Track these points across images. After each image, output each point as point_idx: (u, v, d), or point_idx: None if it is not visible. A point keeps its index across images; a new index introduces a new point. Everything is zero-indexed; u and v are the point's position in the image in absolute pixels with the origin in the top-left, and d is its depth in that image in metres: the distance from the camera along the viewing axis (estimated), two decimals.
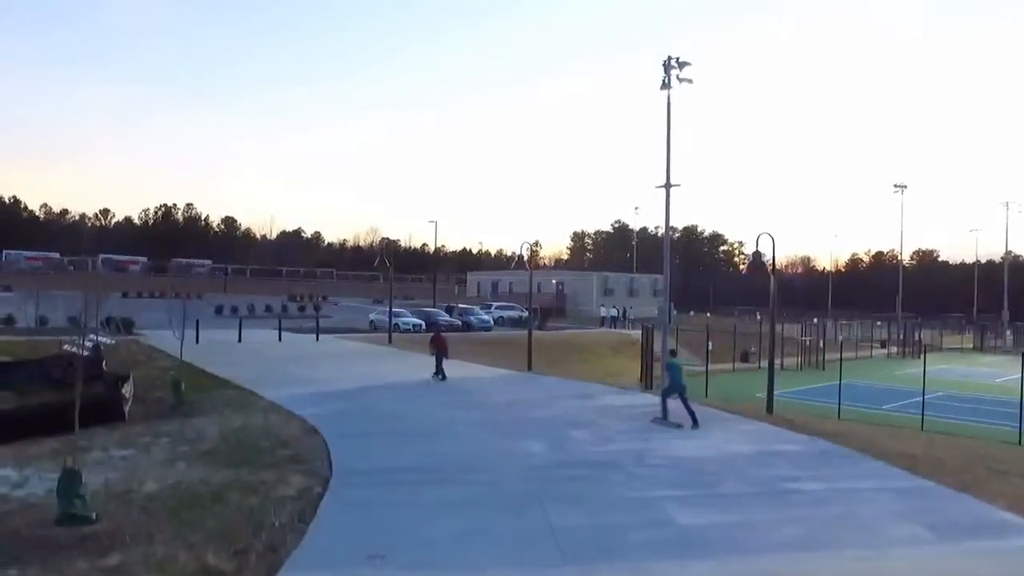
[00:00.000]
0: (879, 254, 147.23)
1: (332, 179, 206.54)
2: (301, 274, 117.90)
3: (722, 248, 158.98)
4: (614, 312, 54.23)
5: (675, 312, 51.59)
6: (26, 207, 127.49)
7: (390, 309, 33.45)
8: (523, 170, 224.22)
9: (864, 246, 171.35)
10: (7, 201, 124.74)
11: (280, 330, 35.51)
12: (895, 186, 78.16)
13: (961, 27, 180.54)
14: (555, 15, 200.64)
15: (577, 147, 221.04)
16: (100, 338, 26.95)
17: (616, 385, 35.60)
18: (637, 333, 48.88)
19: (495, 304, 55.86)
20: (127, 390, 17.40)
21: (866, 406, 30.43)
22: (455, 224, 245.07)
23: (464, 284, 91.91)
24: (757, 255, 17.64)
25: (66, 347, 27.53)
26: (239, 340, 32.23)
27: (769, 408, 18.16)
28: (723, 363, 44.15)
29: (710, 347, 42.54)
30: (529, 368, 26.98)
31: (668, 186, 34.91)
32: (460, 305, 51.72)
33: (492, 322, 48.11)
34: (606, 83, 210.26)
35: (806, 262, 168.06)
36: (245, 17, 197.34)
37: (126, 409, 16.63)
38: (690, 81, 32.99)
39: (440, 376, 23.02)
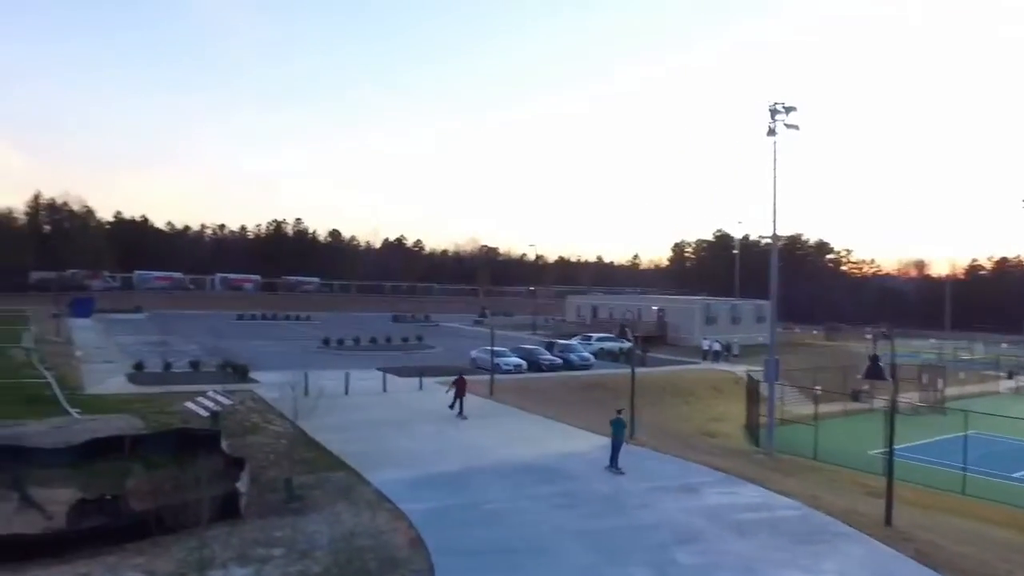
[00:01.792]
0: (1003, 260, 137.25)
1: (434, 186, 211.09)
2: (404, 289, 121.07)
3: (828, 256, 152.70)
4: (717, 346, 52.79)
5: (779, 327, 49.62)
6: (152, 225, 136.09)
7: (492, 367, 33.61)
8: (624, 177, 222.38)
9: (986, 251, 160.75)
10: (137, 220, 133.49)
11: (384, 375, 36.39)
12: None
13: None
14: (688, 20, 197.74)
15: (679, 155, 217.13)
16: (218, 397, 28.26)
17: (719, 436, 34.90)
18: (741, 370, 47.49)
19: (595, 336, 55.47)
20: (243, 482, 18.15)
21: (995, 474, 28.55)
22: (555, 229, 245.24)
23: (564, 299, 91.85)
24: (875, 361, 16.67)
25: (188, 405, 29.23)
26: (346, 392, 33.21)
27: (888, 518, 17.10)
28: (832, 403, 42.25)
29: (818, 391, 40.85)
30: (631, 435, 26.53)
31: (774, 237, 33.84)
32: (560, 341, 51.60)
33: (592, 358, 47.80)
34: (710, 92, 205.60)
35: (920, 266, 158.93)
36: (342, 29, 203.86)
37: (242, 504, 17.37)
38: (796, 127, 31.94)
39: (460, 414, 29.03)
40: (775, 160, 32.25)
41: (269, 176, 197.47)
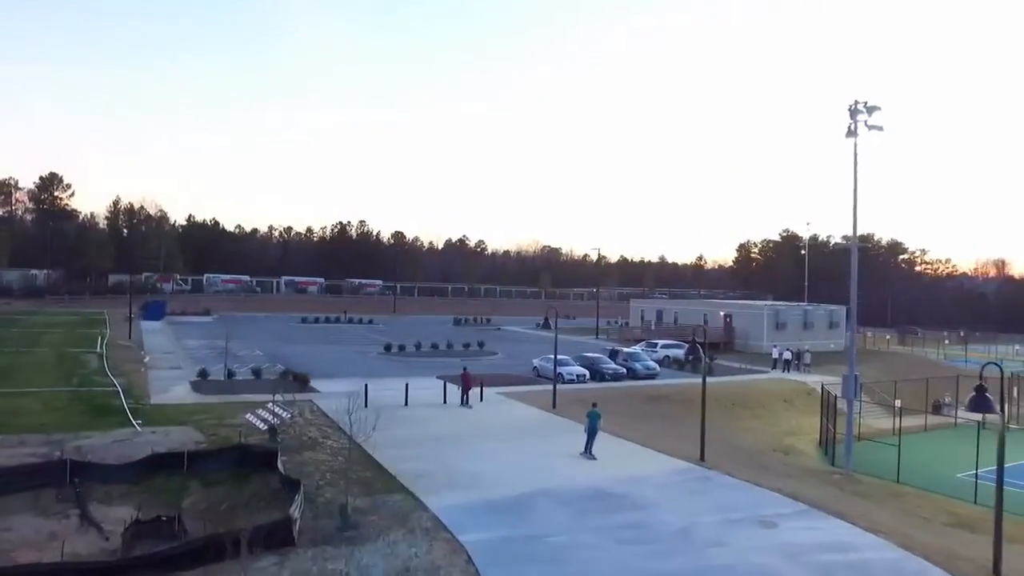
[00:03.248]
0: None
1: (497, 186, 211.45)
2: (466, 291, 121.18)
3: (902, 257, 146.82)
4: (788, 355, 50.60)
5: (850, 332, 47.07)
6: (224, 228, 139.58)
7: (555, 377, 32.66)
8: (689, 176, 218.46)
9: None
10: (208, 223, 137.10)
11: (445, 385, 35.72)
12: None
13: None
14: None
15: (745, 153, 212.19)
16: (277, 409, 28.02)
17: (792, 453, 33.15)
18: (814, 380, 45.34)
19: (660, 343, 53.87)
20: (297, 507, 17.65)
21: None
22: (618, 229, 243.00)
23: (627, 301, 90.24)
24: (982, 391, 15.08)
25: (248, 417, 29.12)
26: (405, 403, 32.73)
27: (997, 566, 15.39)
28: (913, 417, 40.00)
29: (898, 405, 38.69)
30: (702, 457, 25.22)
31: (855, 243, 31.91)
32: (624, 349, 50.23)
33: (657, 367, 46.33)
34: (776, 87, 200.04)
35: (1000, 265, 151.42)
36: (408, 33, 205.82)
37: (295, 531, 16.85)
38: (880, 128, 29.98)
39: (466, 405, 32.93)
40: (856, 163, 30.39)
41: (335, 177, 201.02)
